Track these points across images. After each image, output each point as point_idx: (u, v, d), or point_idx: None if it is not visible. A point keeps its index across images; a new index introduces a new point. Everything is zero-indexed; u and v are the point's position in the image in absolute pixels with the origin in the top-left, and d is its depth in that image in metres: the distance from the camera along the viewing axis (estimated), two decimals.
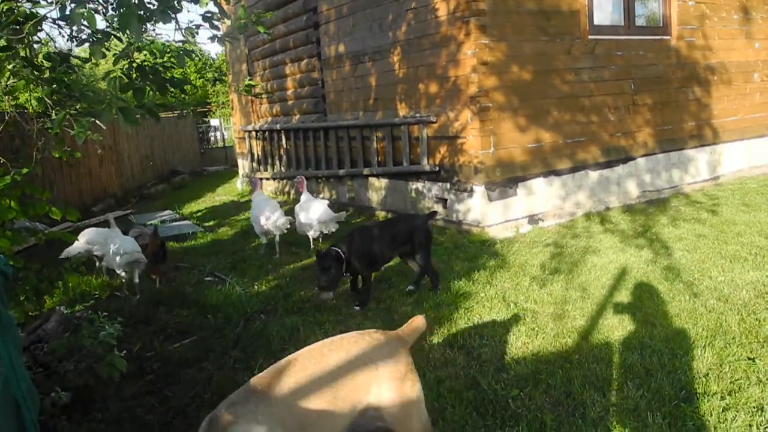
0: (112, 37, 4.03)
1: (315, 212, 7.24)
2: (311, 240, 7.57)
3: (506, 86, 7.50)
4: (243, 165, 14.61)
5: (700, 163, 9.66)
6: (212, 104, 28.57)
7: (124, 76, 4.06)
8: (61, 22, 4.04)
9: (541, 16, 7.71)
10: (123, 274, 6.26)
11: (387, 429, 2.52)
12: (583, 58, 8.16)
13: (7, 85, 4.05)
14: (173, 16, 3.59)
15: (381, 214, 9.30)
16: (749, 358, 3.82)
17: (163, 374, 4.35)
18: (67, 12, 3.67)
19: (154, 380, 4.27)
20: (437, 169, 8.13)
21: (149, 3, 3.55)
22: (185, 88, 4.38)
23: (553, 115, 7.96)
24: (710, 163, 9.82)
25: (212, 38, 3.99)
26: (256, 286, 6.20)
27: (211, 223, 10.54)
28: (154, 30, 4.33)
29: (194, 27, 3.96)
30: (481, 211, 7.53)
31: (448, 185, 7.99)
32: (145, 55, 4.98)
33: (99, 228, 7.21)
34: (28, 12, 3.68)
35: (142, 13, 3.43)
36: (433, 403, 3.54)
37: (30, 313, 4.76)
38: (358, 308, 5.24)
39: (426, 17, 7.90)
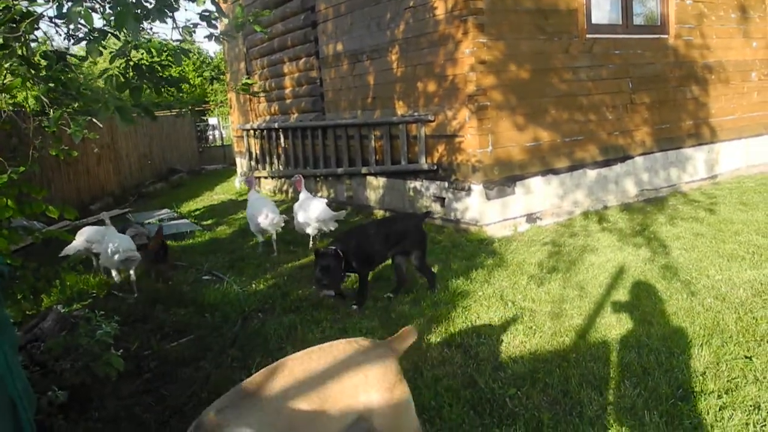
0: (109, 35, 4.02)
1: (314, 211, 7.24)
2: (310, 238, 7.58)
3: (504, 85, 7.50)
4: (241, 164, 14.60)
5: (697, 162, 9.67)
6: (210, 103, 28.54)
7: (120, 75, 4.06)
8: (58, 21, 4.04)
9: (539, 14, 7.71)
10: (114, 273, 6.27)
11: None
12: (581, 57, 8.16)
13: (3, 84, 4.05)
14: (170, 14, 3.58)
15: (379, 213, 9.30)
16: (746, 357, 3.82)
17: (160, 373, 4.35)
18: (64, 10, 3.67)
19: (152, 379, 4.27)
20: (435, 167, 8.13)
21: (146, 1, 3.54)
22: (182, 86, 4.37)
23: (551, 114, 7.97)
24: (708, 161, 9.82)
25: (209, 37, 3.98)
26: (253, 285, 6.20)
27: (209, 221, 10.53)
28: (151, 28, 4.32)
29: (191, 26, 3.95)
30: (479, 209, 7.53)
31: (446, 184, 7.99)
32: (142, 53, 4.97)
33: (97, 226, 7.21)
34: (24, 10, 3.67)
35: (139, 11, 3.42)
36: (431, 402, 3.55)
37: (27, 312, 4.76)
38: (355, 307, 5.24)
39: (424, 16, 7.89)
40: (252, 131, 12.99)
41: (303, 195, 7.56)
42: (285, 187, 12.19)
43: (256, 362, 4.27)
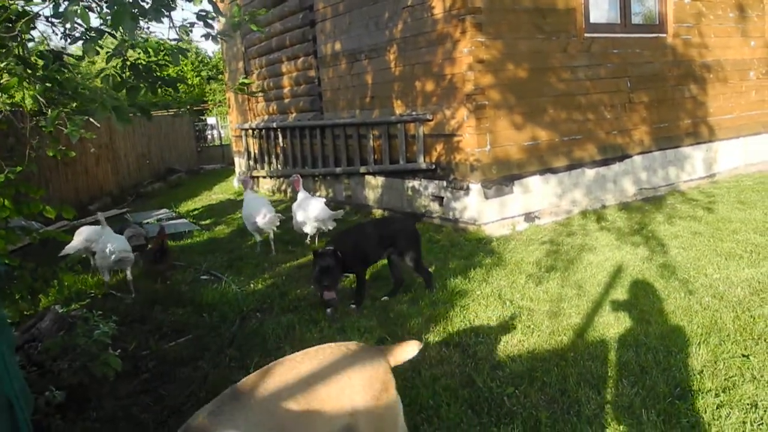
0: (106, 34, 4.01)
1: (313, 210, 7.25)
2: (309, 237, 7.58)
3: (502, 84, 7.50)
4: (240, 163, 14.59)
5: (696, 161, 9.68)
6: (209, 102, 28.52)
7: (117, 75, 4.05)
8: (54, 20, 4.03)
9: (537, 14, 7.71)
10: (106, 274, 6.27)
11: None
12: (579, 56, 8.16)
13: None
14: (167, 14, 3.57)
15: (378, 213, 9.30)
16: (744, 355, 3.82)
17: (158, 373, 4.35)
18: (61, 9, 3.66)
19: (150, 379, 4.27)
20: (434, 167, 8.13)
21: (143, 1, 3.53)
22: (179, 86, 4.36)
23: (550, 113, 7.97)
24: (706, 160, 9.83)
25: (206, 36, 3.97)
26: (252, 285, 6.19)
27: (207, 221, 10.52)
28: (148, 28, 4.31)
29: (188, 25, 3.94)
30: (478, 209, 7.53)
31: (445, 183, 7.98)
32: (139, 53, 4.96)
33: (96, 226, 7.21)
34: (20, 9, 3.66)
35: (135, 11, 3.41)
36: (429, 401, 3.55)
37: (25, 312, 4.76)
38: (354, 306, 5.24)
39: (422, 15, 7.89)
40: (250, 131, 12.99)
41: (301, 194, 7.56)
42: (284, 187, 12.19)
43: (254, 362, 4.27)
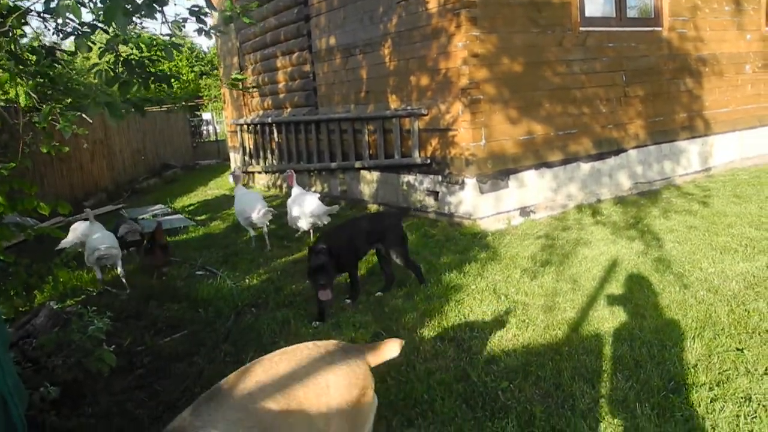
0: (99, 30, 3.99)
1: (308, 206, 7.25)
2: (303, 232, 7.58)
3: (497, 78, 7.48)
4: (235, 158, 14.57)
5: (691, 155, 9.68)
6: (204, 98, 28.42)
7: (110, 70, 4.03)
8: (46, 15, 4.01)
9: (532, 7, 7.69)
10: (98, 270, 6.29)
11: None
12: (574, 50, 8.15)
13: None
14: (159, 9, 3.55)
15: (373, 207, 9.29)
16: (738, 349, 3.83)
17: (153, 369, 4.35)
18: (52, 5, 3.64)
19: (145, 375, 4.27)
20: (429, 161, 8.12)
21: None
22: (172, 81, 4.34)
23: (545, 107, 7.96)
24: (702, 154, 9.84)
25: (199, 31, 3.96)
26: (247, 280, 6.19)
27: (203, 217, 10.51)
28: (141, 23, 4.29)
29: (181, 20, 3.93)
30: (473, 203, 7.53)
31: (440, 178, 7.98)
32: (132, 48, 4.94)
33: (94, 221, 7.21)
34: (12, 4, 3.64)
35: (128, 6, 3.39)
36: (423, 395, 3.56)
37: (20, 309, 4.74)
38: (349, 301, 5.24)
39: (417, 9, 7.87)
40: (246, 126, 12.97)
41: (296, 190, 7.58)
42: (279, 182, 12.17)
43: (249, 357, 4.26)
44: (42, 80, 3.94)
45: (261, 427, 2.27)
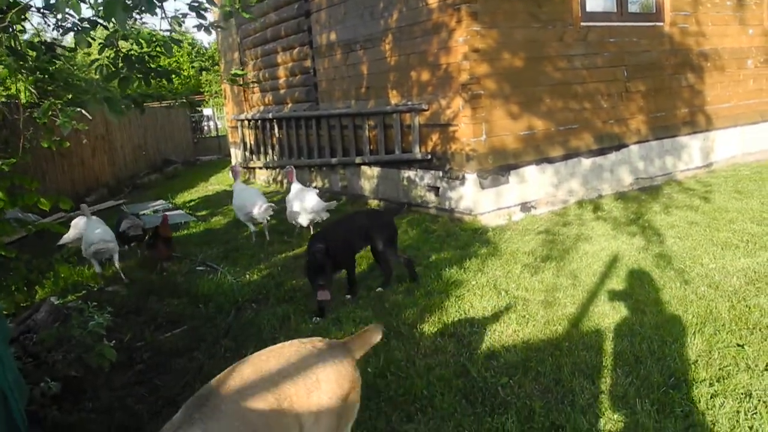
0: (99, 25, 3.99)
1: (308, 202, 7.28)
2: (303, 228, 7.59)
3: (498, 73, 7.47)
4: (236, 154, 14.56)
5: (693, 150, 9.66)
6: (205, 93, 28.40)
7: (111, 65, 4.03)
8: (46, 11, 4.00)
9: (533, 2, 7.67)
10: (96, 265, 6.33)
11: None
12: (575, 45, 8.13)
13: None
14: (159, 4, 3.54)
15: (374, 203, 9.29)
16: (738, 345, 3.83)
17: (153, 364, 4.36)
18: (52, 1, 3.63)
19: (145, 370, 4.27)
20: (429, 157, 8.11)
21: None
22: (173, 77, 4.34)
23: (546, 103, 7.94)
24: (703, 150, 9.81)
25: (199, 27, 3.95)
26: (247, 275, 6.19)
27: (203, 212, 10.51)
28: (141, 18, 4.29)
29: (181, 16, 3.92)
30: (474, 199, 7.52)
31: (440, 173, 7.97)
32: (132, 44, 4.94)
33: (92, 217, 7.22)
34: (11, 0, 3.64)
35: (128, 1, 3.39)
36: (423, 391, 3.56)
37: (21, 304, 4.75)
38: (349, 297, 5.24)
39: (417, 4, 7.85)
40: (246, 122, 12.96)
41: (296, 186, 7.59)
42: (280, 178, 12.17)
43: (250, 352, 4.24)
44: (42, 76, 3.93)
45: (254, 429, 2.26)
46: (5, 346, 2.96)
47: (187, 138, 23.53)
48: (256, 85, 12.63)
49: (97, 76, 3.96)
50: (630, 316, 4.37)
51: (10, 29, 3.62)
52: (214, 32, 4.45)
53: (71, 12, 3.34)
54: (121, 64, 3.99)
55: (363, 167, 9.53)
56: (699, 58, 9.52)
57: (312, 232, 7.48)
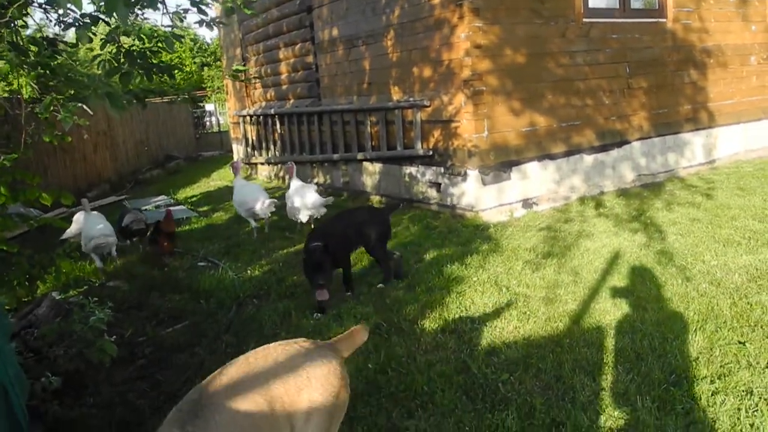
0: (100, 21, 3.98)
1: (309, 199, 7.31)
2: (303, 224, 7.61)
3: (500, 69, 7.45)
4: (238, 150, 14.56)
5: (695, 147, 9.64)
6: (207, 89, 28.40)
7: (112, 60, 4.03)
8: (47, 6, 4.00)
9: None
10: (97, 260, 6.35)
11: None
12: (577, 41, 8.11)
13: None
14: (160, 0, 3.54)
15: (375, 199, 9.29)
16: (740, 342, 3.82)
17: (155, 359, 4.37)
18: None
19: (146, 365, 4.28)
20: (431, 153, 8.10)
21: None
22: (175, 73, 4.34)
23: (548, 99, 7.92)
24: (706, 146, 9.79)
25: (200, 23, 3.95)
26: (249, 271, 6.20)
27: (205, 208, 10.51)
28: (143, 13, 4.28)
29: (182, 11, 3.92)
30: (475, 195, 7.52)
31: (442, 169, 7.96)
32: (134, 39, 4.93)
33: (94, 212, 7.25)
34: None
35: None
36: (423, 387, 3.56)
37: (23, 299, 4.76)
38: (349, 294, 5.24)
39: (419, 0, 7.83)
40: (248, 117, 12.95)
41: (294, 182, 7.61)
42: (281, 173, 12.16)
43: (251, 348, 4.26)
44: (43, 71, 3.93)
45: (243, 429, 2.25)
46: (6, 341, 2.96)
47: (189, 134, 23.53)
48: (258, 80, 12.62)
49: (100, 72, 3.95)
50: (631, 313, 4.37)
51: (12, 24, 3.61)
52: (216, 28, 4.44)
53: (72, 7, 3.33)
54: (122, 60, 3.99)
55: (365, 163, 9.52)
56: (702, 55, 9.49)
57: (312, 227, 7.50)
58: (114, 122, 15.32)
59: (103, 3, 3.43)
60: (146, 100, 4.32)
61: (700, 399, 3.23)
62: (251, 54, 13.01)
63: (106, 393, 3.85)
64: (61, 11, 3.77)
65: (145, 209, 10.34)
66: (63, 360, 3.87)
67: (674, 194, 8.04)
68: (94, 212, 6.72)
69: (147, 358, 4.39)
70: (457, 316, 4.59)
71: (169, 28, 4.13)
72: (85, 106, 3.82)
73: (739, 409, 3.12)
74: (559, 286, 5.05)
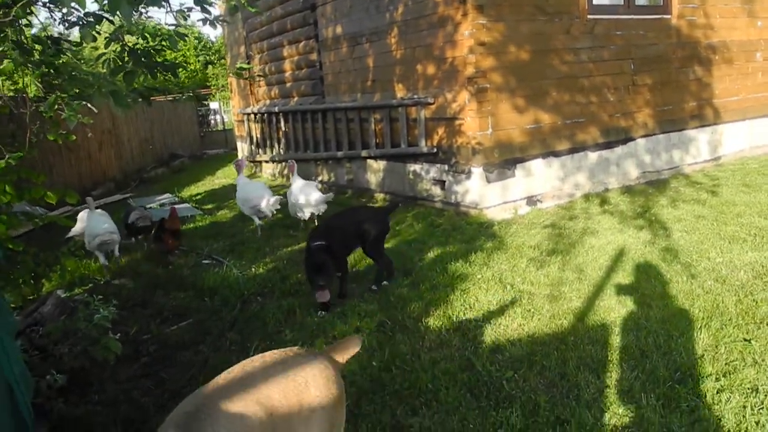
0: (104, 19, 3.99)
1: (311, 196, 7.35)
2: (305, 221, 7.63)
3: (504, 67, 7.44)
4: (242, 148, 14.58)
5: (700, 144, 9.61)
6: (212, 87, 28.43)
7: (117, 59, 4.03)
8: (51, 5, 4.00)
9: None
10: (101, 257, 6.37)
11: None
12: (582, 38, 8.08)
13: None
14: None
15: (380, 197, 9.28)
16: (745, 340, 3.81)
17: (159, 357, 4.37)
18: None
19: (150, 363, 4.29)
20: (435, 150, 8.10)
21: None
22: (179, 71, 4.34)
23: (552, 96, 7.91)
24: (711, 143, 9.76)
25: (204, 21, 3.95)
26: (253, 269, 6.20)
27: (210, 206, 10.53)
28: (146, 12, 4.29)
29: (185, 10, 3.92)
30: (479, 192, 7.51)
31: (446, 167, 7.96)
32: (138, 38, 4.94)
33: (98, 210, 7.27)
34: None
35: None
36: (428, 385, 3.56)
37: (28, 297, 4.78)
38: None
39: None
40: (252, 115, 12.97)
41: (297, 179, 7.64)
42: (285, 171, 12.16)
43: (255, 345, 4.28)
44: (47, 70, 3.94)
45: None
46: (11, 339, 2.97)
47: (193, 132, 23.56)
48: (262, 78, 12.63)
49: (104, 70, 3.96)
50: (636, 310, 4.36)
51: (16, 24, 3.62)
52: (220, 26, 4.43)
53: (76, 6, 3.33)
54: (127, 58, 3.99)
55: (369, 161, 9.52)
56: (707, 51, 9.45)
57: (315, 224, 7.51)
58: (119, 121, 15.35)
59: (106, 2, 3.43)
60: (151, 98, 4.32)
61: (705, 396, 3.22)
62: (255, 52, 13.01)
63: (110, 390, 3.86)
64: (65, 10, 3.77)
65: (150, 207, 10.35)
66: (68, 358, 3.89)
67: (679, 191, 8.02)
68: (98, 210, 6.75)
69: (151, 355, 4.40)
70: (461, 313, 4.59)
71: (173, 27, 4.13)
72: (89, 105, 3.82)
73: (744, 407, 3.11)
74: (564, 284, 5.04)
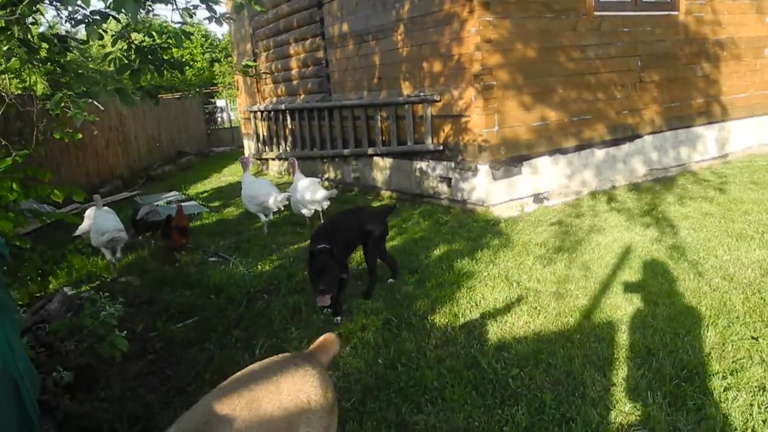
0: (110, 18, 4.00)
1: (315, 193, 7.38)
2: (310, 219, 7.65)
3: (511, 64, 7.42)
4: (249, 145, 14.60)
5: (708, 141, 9.56)
6: (219, 85, 28.46)
7: (123, 57, 4.04)
8: (57, 3, 4.01)
9: None
10: (107, 254, 6.40)
11: None
12: (589, 35, 8.05)
13: (2, 66, 4.04)
14: None
15: (386, 194, 9.28)
16: (753, 338, 3.78)
17: (165, 354, 4.38)
18: None
19: (157, 360, 4.30)
20: (441, 148, 8.09)
21: None
22: (186, 69, 4.35)
23: (559, 93, 7.88)
24: (718, 140, 9.71)
25: (209, 18, 3.95)
26: (259, 266, 6.21)
27: (216, 203, 10.55)
28: (152, 10, 4.30)
29: (191, 8, 3.92)
30: (486, 190, 7.49)
31: (453, 164, 7.95)
32: (144, 36, 4.95)
33: (105, 208, 7.30)
34: None
35: None
36: (433, 382, 3.55)
37: (35, 294, 4.80)
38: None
39: None
40: (259, 113, 12.98)
41: (300, 177, 7.68)
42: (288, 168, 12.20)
43: (260, 343, 4.29)
44: (53, 68, 3.95)
45: None
46: (18, 336, 2.98)
47: (200, 129, 23.62)
48: (268, 76, 12.64)
49: (111, 68, 3.97)
50: (642, 308, 4.34)
51: (22, 21, 3.63)
52: (226, 24, 4.43)
53: (81, 4, 3.34)
54: (133, 56, 4.00)
55: (375, 158, 9.52)
56: (714, 48, 9.40)
57: (320, 221, 7.52)
58: (126, 118, 15.39)
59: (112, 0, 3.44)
60: (158, 96, 4.33)
61: (712, 395, 3.21)
62: (262, 50, 13.03)
63: (117, 388, 3.87)
64: (70, 8, 3.78)
65: (157, 205, 10.38)
66: (74, 355, 3.89)
67: (686, 188, 7.98)
68: (105, 207, 6.78)
69: (158, 353, 4.41)
70: (467, 311, 4.58)
71: (179, 25, 4.14)
72: (96, 102, 3.83)
73: (751, 405, 3.09)
74: (570, 281, 5.02)
